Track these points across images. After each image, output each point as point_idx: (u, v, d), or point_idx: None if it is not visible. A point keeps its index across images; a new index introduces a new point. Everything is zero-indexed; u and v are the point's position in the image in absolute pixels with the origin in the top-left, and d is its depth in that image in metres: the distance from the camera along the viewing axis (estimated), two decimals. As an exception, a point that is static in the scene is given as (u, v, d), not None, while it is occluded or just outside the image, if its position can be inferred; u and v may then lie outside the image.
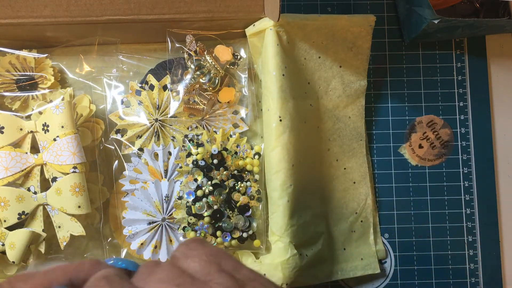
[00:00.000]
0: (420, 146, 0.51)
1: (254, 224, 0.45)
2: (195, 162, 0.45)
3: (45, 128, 0.42)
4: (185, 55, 0.46)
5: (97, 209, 0.45)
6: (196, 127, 0.47)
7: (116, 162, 0.46)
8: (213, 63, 0.45)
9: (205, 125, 0.47)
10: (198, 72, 0.46)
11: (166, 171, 0.45)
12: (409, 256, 0.49)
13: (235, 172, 0.45)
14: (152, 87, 0.46)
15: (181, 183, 0.45)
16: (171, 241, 0.45)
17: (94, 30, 0.45)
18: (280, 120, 0.43)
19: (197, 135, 0.46)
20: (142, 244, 0.44)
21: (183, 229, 0.44)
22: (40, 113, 0.43)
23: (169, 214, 0.45)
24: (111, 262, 0.26)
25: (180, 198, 0.44)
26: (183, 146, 0.46)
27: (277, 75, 0.43)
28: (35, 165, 0.43)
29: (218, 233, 0.44)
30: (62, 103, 0.42)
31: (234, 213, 0.44)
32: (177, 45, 0.46)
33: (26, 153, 0.43)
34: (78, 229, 0.43)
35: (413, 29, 0.49)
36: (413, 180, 0.50)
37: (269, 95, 0.44)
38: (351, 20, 0.46)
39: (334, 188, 0.48)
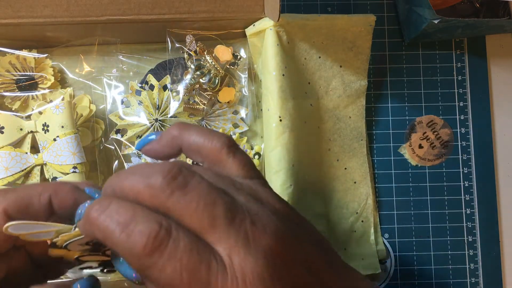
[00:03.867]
0: (420, 146, 0.51)
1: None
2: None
3: (45, 128, 0.42)
4: (185, 55, 0.46)
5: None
6: (196, 127, 0.47)
7: (116, 162, 0.46)
8: (213, 63, 0.45)
9: (205, 125, 0.47)
10: (198, 72, 0.46)
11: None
12: (409, 256, 0.49)
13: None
14: (152, 87, 0.46)
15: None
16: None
17: (94, 30, 0.45)
18: (280, 120, 0.43)
19: (197, 135, 0.46)
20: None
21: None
22: (40, 113, 0.43)
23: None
24: (88, 191, 0.27)
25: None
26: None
27: (277, 75, 0.43)
28: (35, 165, 0.43)
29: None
30: (62, 103, 0.42)
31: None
32: (177, 45, 0.46)
33: (26, 153, 0.43)
34: (78, 229, 0.43)
35: (413, 29, 0.49)
36: (413, 180, 0.50)
37: (269, 95, 0.44)
38: (351, 20, 0.46)
39: (335, 188, 0.48)
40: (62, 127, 0.42)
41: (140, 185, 0.23)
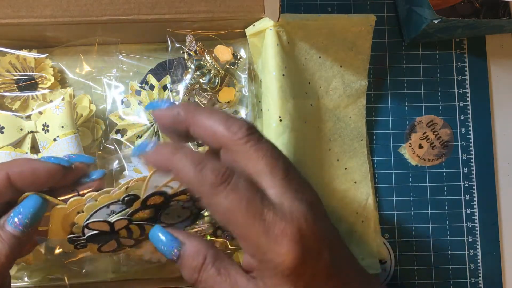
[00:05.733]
0: (420, 146, 0.51)
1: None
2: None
3: (45, 128, 0.42)
4: (185, 55, 0.46)
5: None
6: (196, 127, 0.47)
7: (116, 162, 0.46)
8: (213, 63, 0.45)
9: (205, 125, 0.47)
10: (198, 72, 0.46)
11: (166, 171, 0.45)
12: (409, 256, 0.49)
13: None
14: (152, 87, 0.46)
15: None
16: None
17: (94, 30, 0.45)
18: (280, 120, 0.43)
19: (197, 135, 0.46)
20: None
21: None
22: (40, 113, 0.43)
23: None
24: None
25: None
26: (183, 146, 0.46)
27: (277, 75, 0.43)
28: (35, 165, 0.43)
29: (219, 232, 0.44)
30: (62, 103, 0.42)
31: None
32: (177, 45, 0.46)
33: (26, 153, 0.43)
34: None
35: (413, 29, 0.49)
36: (413, 180, 0.50)
37: (269, 95, 0.44)
38: (352, 19, 0.46)
39: (335, 188, 0.48)
40: (62, 127, 0.42)
41: (221, 127, 0.28)
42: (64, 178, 0.31)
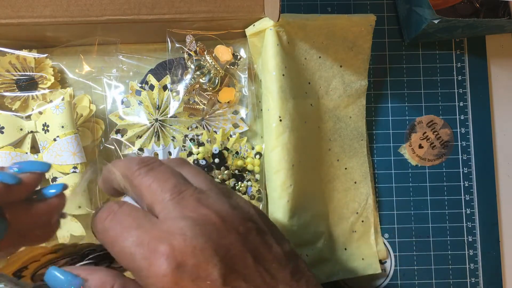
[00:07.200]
0: (420, 146, 0.51)
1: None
2: (196, 162, 0.45)
3: (45, 128, 0.42)
4: (185, 55, 0.46)
5: (97, 209, 0.45)
6: (196, 127, 0.47)
7: (116, 162, 0.46)
8: (213, 63, 0.45)
9: (205, 125, 0.47)
10: (198, 72, 0.46)
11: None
12: (409, 256, 0.49)
13: (236, 171, 0.45)
14: (152, 87, 0.46)
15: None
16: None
17: (94, 30, 0.45)
18: (280, 120, 0.43)
19: (197, 135, 0.46)
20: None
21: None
22: (40, 113, 0.43)
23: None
24: None
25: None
26: (183, 146, 0.46)
27: (277, 75, 0.43)
28: (35, 165, 0.43)
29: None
30: (62, 103, 0.42)
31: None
32: (177, 45, 0.46)
33: (26, 153, 0.43)
34: (78, 230, 0.43)
35: (413, 29, 0.49)
36: (413, 180, 0.50)
37: (269, 95, 0.44)
38: (352, 19, 0.46)
39: (335, 188, 0.48)
40: (62, 127, 0.42)
41: (124, 167, 0.29)
42: (13, 194, 0.28)
